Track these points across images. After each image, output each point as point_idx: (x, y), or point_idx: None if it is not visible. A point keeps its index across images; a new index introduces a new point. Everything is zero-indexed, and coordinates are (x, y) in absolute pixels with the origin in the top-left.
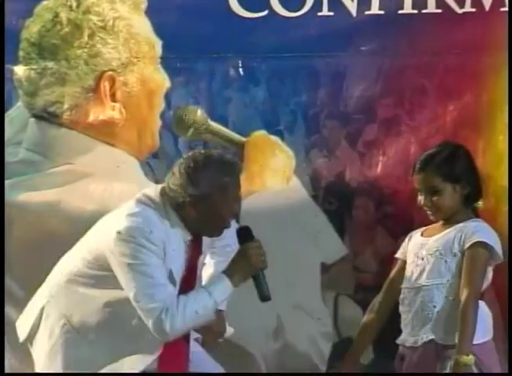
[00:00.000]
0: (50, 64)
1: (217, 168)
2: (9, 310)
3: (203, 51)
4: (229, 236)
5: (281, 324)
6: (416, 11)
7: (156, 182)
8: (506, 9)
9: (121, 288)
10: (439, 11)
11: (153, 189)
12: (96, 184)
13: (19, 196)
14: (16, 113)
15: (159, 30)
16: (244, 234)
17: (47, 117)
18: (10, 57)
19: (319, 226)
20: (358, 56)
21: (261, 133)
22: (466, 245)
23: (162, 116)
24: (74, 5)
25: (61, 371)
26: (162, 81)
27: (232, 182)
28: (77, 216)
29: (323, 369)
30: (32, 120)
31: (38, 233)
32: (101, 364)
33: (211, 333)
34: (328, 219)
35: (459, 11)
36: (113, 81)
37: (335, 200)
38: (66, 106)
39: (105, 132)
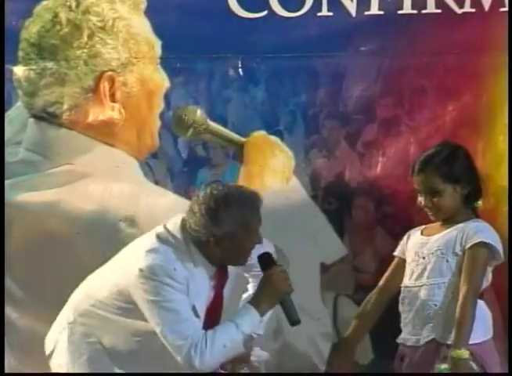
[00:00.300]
0: (49, 64)
1: (238, 205)
2: (8, 310)
3: (203, 51)
4: None
5: (280, 324)
6: (415, 11)
7: (156, 182)
8: (506, 9)
9: (147, 321)
10: (439, 11)
11: (173, 224)
12: (96, 184)
13: (19, 196)
14: (15, 113)
15: (158, 30)
16: (266, 261)
17: (46, 117)
18: (10, 57)
19: (319, 226)
20: (357, 56)
21: (260, 133)
22: (468, 245)
23: (161, 116)
24: (74, 5)
25: None
26: (161, 81)
27: (254, 216)
28: (76, 216)
29: (323, 369)
30: (31, 120)
31: (38, 233)
32: None
33: (233, 360)
34: (327, 219)
35: (459, 11)
36: (112, 81)
37: (334, 200)
38: (65, 106)
39: (104, 132)
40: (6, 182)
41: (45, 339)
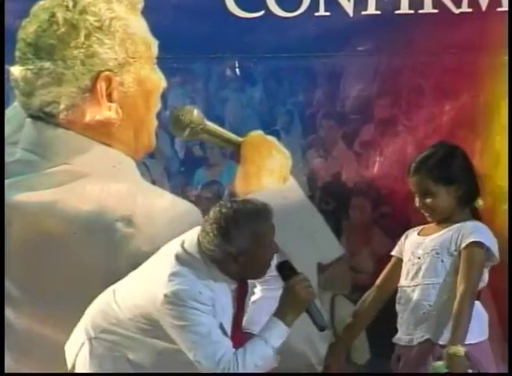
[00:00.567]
0: (46, 64)
1: (248, 221)
2: (5, 311)
3: (200, 51)
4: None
5: None
6: (412, 11)
7: (153, 182)
8: (506, 8)
9: (172, 342)
10: (436, 11)
11: (190, 243)
12: (93, 184)
13: (16, 196)
14: (12, 113)
15: (155, 30)
16: (286, 270)
17: (43, 117)
18: (7, 57)
19: (316, 226)
20: (354, 56)
21: (257, 133)
22: (463, 245)
23: (158, 116)
24: (71, 5)
25: None
26: (158, 81)
27: (267, 228)
28: (73, 216)
29: (320, 369)
30: (29, 120)
31: (35, 233)
32: None
33: None
34: (325, 219)
35: (456, 11)
36: (109, 81)
37: (332, 200)
38: (62, 106)
39: (101, 132)
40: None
41: (42, 339)
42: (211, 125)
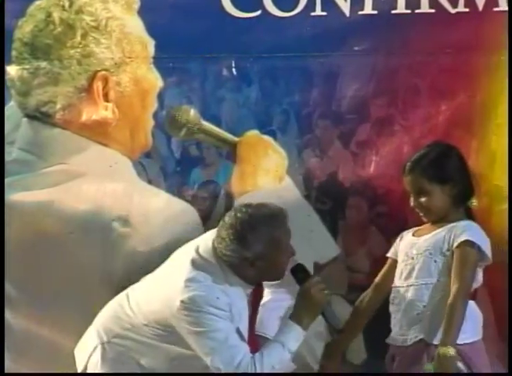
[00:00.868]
0: (43, 64)
1: (264, 225)
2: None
3: (196, 51)
4: None
5: None
6: (409, 11)
7: (149, 181)
8: (504, 8)
9: (187, 348)
10: (432, 11)
11: (205, 247)
12: (89, 184)
13: (13, 196)
14: (8, 112)
15: (152, 29)
16: (300, 273)
17: (40, 116)
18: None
19: (312, 226)
20: (351, 55)
21: (253, 133)
22: (455, 244)
23: (155, 116)
24: (67, 4)
25: None
26: (155, 80)
27: (283, 232)
28: (70, 216)
29: (316, 368)
30: (25, 120)
31: (32, 232)
32: None
33: None
34: (321, 219)
35: (453, 11)
36: (106, 80)
37: (328, 200)
38: (58, 105)
39: (98, 132)
40: None
41: (39, 339)
42: (208, 125)
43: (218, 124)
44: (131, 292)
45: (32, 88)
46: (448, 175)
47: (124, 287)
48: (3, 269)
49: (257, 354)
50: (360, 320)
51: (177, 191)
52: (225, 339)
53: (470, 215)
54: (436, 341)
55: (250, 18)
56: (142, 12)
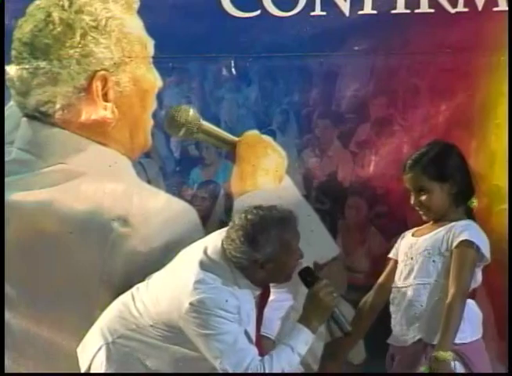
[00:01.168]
0: (42, 64)
1: (275, 227)
2: None
3: (196, 51)
4: None
5: None
6: (408, 11)
7: (149, 181)
8: (504, 8)
9: (193, 350)
10: (432, 11)
11: (213, 249)
12: (89, 184)
13: (12, 196)
14: (8, 112)
15: (151, 29)
16: (309, 276)
17: (39, 116)
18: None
19: (312, 226)
20: (351, 55)
21: (253, 133)
22: (454, 244)
23: (154, 115)
24: (67, 4)
25: None
26: (154, 80)
27: (293, 234)
28: (69, 216)
29: (315, 368)
30: (24, 119)
31: (31, 233)
32: None
33: None
34: (320, 219)
35: (452, 11)
36: (105, 80)
37: (327, 199)
38: (58, 105)
39: (97, 132)
40: None
41: (38, 339)
42: (207, 125)
43: (218, 124)
44: (136, 292)
45: (31, 88)
46: (448, 174)
47: (123, 287)
48: (3, 269)
49: (266, 357)
50: (364, 321)
51: (176, 191)
52: (233, 342)
53: (470, 214)
54: (435, 342)
55: (249, 18)
56: (142, 12)
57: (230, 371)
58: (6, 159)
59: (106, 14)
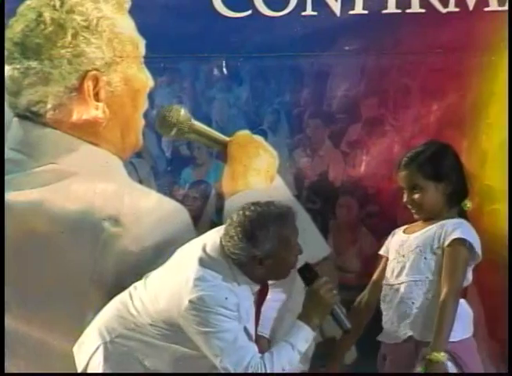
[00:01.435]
0: (33, 64)
1: (273, 223)
2: None
3: (187, 50)
4: None
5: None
6: (399, 11)
7: (140, 181)
8: (497, 8)
9: (193, 348)
10: (423, 11)
11: (212, 246)
12: (80, 184)
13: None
14: None
15: (142, 29)
16: (308, 273)
17: (30, 116)
18: None
19: (303, 226)
20: (342, 55)
21: (244, 133)
22: (446, 242)
23: (145, 115)
24: (58, 4)
25: None
26: (146, 80)
27: (292, 230)
28: (60, 215)
29: (306, 368)
30: (16, 119)
31: (22, 232)
32: None
33: None
34: (311, 219)
35: (443, 11)
36: (96, 80)
37: (318, 199)
38: (49, 105)
39: (88, 132)
40: None
41: (29, 339)
42: (198, 125)
43: (209, 123)
44: (134, 291)
45: (23, 88)
46: (443, 174)
47: (114, 287)
48: (3, 269)
49: (266, 354)
50: (361, 320)
51: (168, 191)
52: (234, 340)
53: (463, 216)
54: (426, 339)
55: (240, 18)
56: (133, 12)
57: (231, 369)
58: None
59: (98, 14)
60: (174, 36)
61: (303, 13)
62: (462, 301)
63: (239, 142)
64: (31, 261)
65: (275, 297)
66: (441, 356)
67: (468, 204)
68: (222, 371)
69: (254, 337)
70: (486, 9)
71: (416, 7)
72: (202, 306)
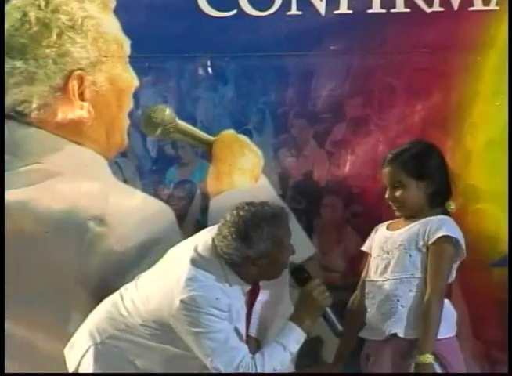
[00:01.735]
0: (18, 63)
1: (267, 223)
2: None
3: (172, 50)
4: None
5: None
6: (384, 10)
7: (125, 181)
8: (481, 7)
9: (184, 348)
10: (408, 10)
11: (204, 246)
12: (65, 183)
13: None
14: None
15: (127, 29)
16: (301, 275)
17: (15, 116)
18: None
19: None
20: (327, 55)
21: (229, 132)
22: (431, 240)
23: (130, 115)
24: (43, 4)
25: None
26: (131, 80)
27: (285, 231)
28: (45, 215)
29: (292, 366)
30: None
31: (8, 232)
32: None
33: None
34: (296, 218)
35: (428, 10)
36: (81, 80)
37: (303, 199)
38: (34, 105)
39: (73, 131)
40: None
41: (15, 339)
42: (183, 124)
43: (194, 123)
44: (125, 292)
45: (8, 88)
46: (426, 172)
47: (99, 287)
48: (3, 270)
49: (257, 355)
50: (357, 320)
51: (153, 190)
52: (225, 340)
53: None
54: (409, 336)
55: (225, 17)
56: (118, 12)
57: (222, 369)
58: None
59: (83, 14)
60: (159, 36)
61: (288, 13)
62: (446, 301)
63: (224, 142)
64: (16, 260)
65: (263, 298)
66: (429, 357)
67: (452, 205)
68: (213, 371)
69: (244, 337)
70: (471, 9)
71: (400, 7)
72: (193, 306)
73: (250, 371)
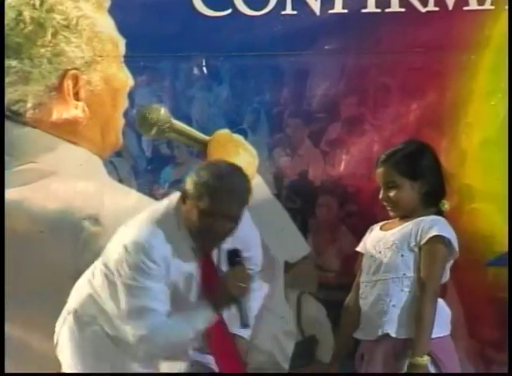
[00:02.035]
0: (13, 63)
1: (228, 180)
2: None
3: (167, 50)
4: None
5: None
6: (379, 10)
7: (120, 180)
8: (476, 7)
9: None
10: (402, 10)
11: (169, 204)
12: (59, 183)
13: None
14: None
15: (122, 28)
16: (231, 257)
17: (10, 115)
18: None
19: (282, 225)
20: (321, 54)
21: (224, 132)
22: (424, 240)
23: (125, 114)
24: (38, 3)
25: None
26: (125, 79)
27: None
28: (40, 215)
29: (286, 367)
30: None
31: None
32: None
33: None
34: (291, 218)
35: (423, 10)
36: (76, 79)
37: (298, 198)
38: (29, 104)
39: (68, 131)
40: None
41: (10, 339)
42: (178, 124)
43: (189, 122)
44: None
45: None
46: (419, 172)
47: None
48: (3, 270)
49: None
50: (353, 321)
51: (148, 190)
52: (145, 297)
53: (440, 216)
54: (402, 336)
55: (220, 17)
56: (113, 11)
57: (125, 323)
58: None
59: (77, 13)
60: (154, 35)
61: (283, 12)
62: (439, 300)
63: (219, 141)
64: (11, 260)
65: (257, 293)
66: (424, 358)
67: (446, 205)
68: (117, 319)
69: (194, 291)
70: (466, 9)
71: (395, 6)
72: (131, 250)
73: (151, 337)
